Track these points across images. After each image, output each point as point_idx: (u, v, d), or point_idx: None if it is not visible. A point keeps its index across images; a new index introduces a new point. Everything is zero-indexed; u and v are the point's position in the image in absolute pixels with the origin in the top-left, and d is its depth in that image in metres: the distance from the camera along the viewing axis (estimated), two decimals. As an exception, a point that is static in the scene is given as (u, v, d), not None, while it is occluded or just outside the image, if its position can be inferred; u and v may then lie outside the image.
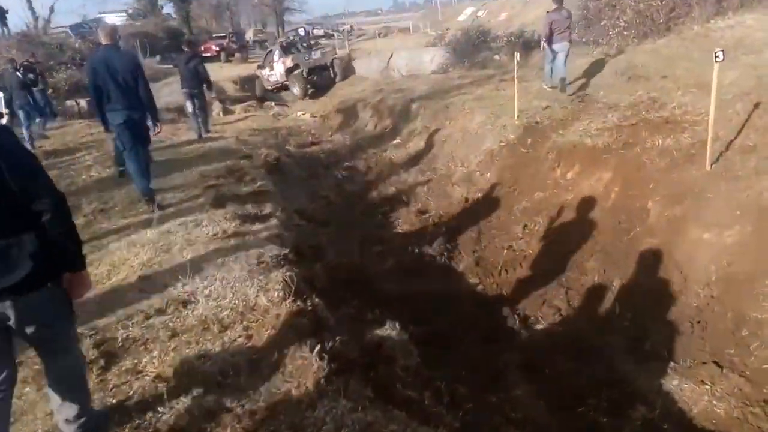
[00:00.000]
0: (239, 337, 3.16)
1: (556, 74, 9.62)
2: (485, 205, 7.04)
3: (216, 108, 15.94)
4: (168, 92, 18.30)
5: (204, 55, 29.50)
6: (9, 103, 10.47)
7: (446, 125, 9.82)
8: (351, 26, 44.84)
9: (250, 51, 35.53)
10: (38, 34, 22.51)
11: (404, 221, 7.10)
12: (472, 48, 16.13)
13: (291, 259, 4.51)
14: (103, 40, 5.70)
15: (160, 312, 3.52)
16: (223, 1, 50.42)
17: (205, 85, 10.12)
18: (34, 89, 11.82)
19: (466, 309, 4.99)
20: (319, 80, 18.91)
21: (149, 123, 5.83)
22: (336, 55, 20.04)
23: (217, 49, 32.11)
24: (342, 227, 6.87)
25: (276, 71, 18.82)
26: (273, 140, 11.85)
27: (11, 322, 2.02)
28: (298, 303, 3.56)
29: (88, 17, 41.42)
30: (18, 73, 11.26)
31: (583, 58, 12.35)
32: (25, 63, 12.60)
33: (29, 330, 2.07)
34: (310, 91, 18.17)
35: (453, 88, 12.49)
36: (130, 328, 3.32)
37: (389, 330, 3.61)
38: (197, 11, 48.02)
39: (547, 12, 9.68)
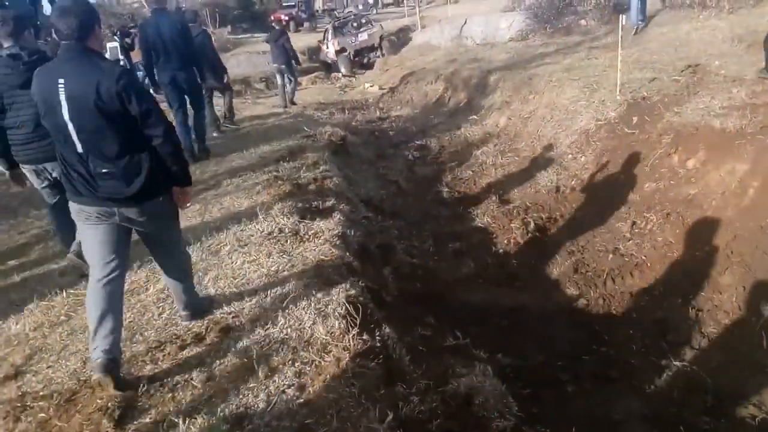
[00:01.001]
0: (289, 387, 2.46)
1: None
2: (581, 196, 6.02)
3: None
4: (235, 63, 17.99)
5: (272, 26, 29.37)
6: None
7: (530, 100, 8.71)
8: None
9: (318, 20, 34.95)
10: (111, 4, 22.72)
11: (484, 213, 6.18)
12: (555, 12, 14.57)
13: (356, 269, 3.78)
14: (151, 5, 6.20)
15: (198, 339, 2.89)
16: (292, -33, 49.74)
17: (293, 61, 11.18)
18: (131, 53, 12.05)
19: (567, 332, 4.09)
20: (368, 60, 19.43)
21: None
22: (383, 33, 20.22)
23: (287, 18, 31.56)
24: (414, 220, 6.07)
25: (330, 50, 19.44)
26: (339, 115, 11.17)
27: (132, 221, 2.57)
28: (364, 337, 2.82)
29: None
30: (116, 37, 11.94)
31: (687, 23, 10.75)
32: (122, 28, 12.74)
33: (146, 231, 2.68)
34: (357, 69, 18.92)
35: (536, 57, 11.25)
36: (160, 362, 2.71)
37: (480, 376, 2.81)
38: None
39: None
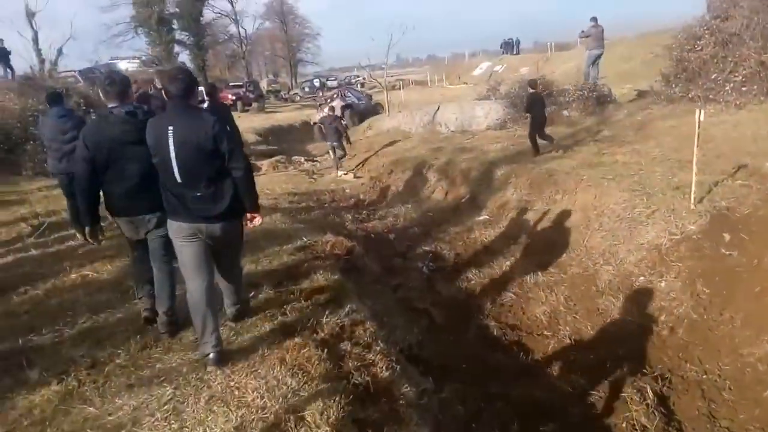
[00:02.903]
0: None
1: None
2: (690, 343, 4.53)
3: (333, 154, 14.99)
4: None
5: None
6: None
7: (557, 200, 7.43)
8: (364, 78, 43.70)
9: (266, 100, 34.14)
10: (42, 76, 20.38)
11: (566, 367, 4.54)
12: (536, 102, 13.96)
13: None
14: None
15: None
16: (238, 51, 49.60)
17: (343, 138, 13.70)
18: None
19: None
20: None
21: None
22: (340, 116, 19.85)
23: (233, 98, 30.28)
24: (472, 378, 4.33)
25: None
26: (318, 210, 9.47)
27: (213, 238, 3.21)
28: None
29: (100, 62, 40.49)
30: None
31: (695, 116, 10.07)
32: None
33: (222, 244, 3.30)
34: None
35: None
36: None
37: None
38: (212, 60, 47.04)
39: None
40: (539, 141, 9.73)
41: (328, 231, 6.38)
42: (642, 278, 5.48)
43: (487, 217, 8.13)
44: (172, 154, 2.97)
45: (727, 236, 5.22)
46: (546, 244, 6.79)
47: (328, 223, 7.90)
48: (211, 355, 3.16)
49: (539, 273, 6.22)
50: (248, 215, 3.31)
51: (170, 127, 2.98)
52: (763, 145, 7.79)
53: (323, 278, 4.70)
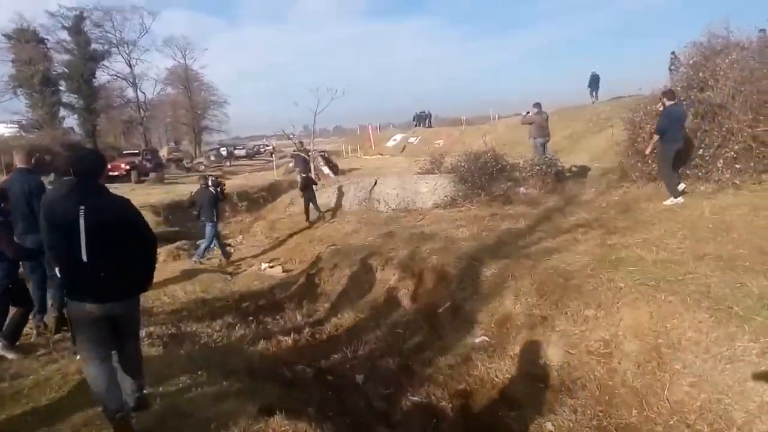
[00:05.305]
0: None
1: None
2: None
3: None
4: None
5: (111, 173, 24.21)
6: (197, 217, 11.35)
7: (590, 318, 5.35)
8: (273, 147, 42.11)
9: (166, 169, 30.85)
10: None
11: None
12: (488, 177, 12.36)
13: None
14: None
15: None
16: (135, 116, 45.58)
17: (314, 185, 14.16)
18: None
19: None
20: None
21: None
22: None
23: (127, 167, 26.62)
24: None
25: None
26: (242, 328, 6.72)
27: (118, 316, 3.21)
28: None
29: (-26, 125, 35.58)
30: (210, 188, 11.10)
31: (689, 197, 8.69)
32: (214, 178, 12.08)
33: (124, 320, 3.27)
34: None
35: (516, 236, 8.28)
36: None
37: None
38: (105, 126, 42.75)
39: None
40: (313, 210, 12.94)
41: (275, 398, 3.77)
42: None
43: (485, 338, 5.87)
44: (82, 234, 2.98)
45: None
46: (599, 393, 4.61)
47: (261, 359, 5.25)
48: (120, 414, 3.20)
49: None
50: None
51: (81, 207, 3.00)
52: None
53: None
